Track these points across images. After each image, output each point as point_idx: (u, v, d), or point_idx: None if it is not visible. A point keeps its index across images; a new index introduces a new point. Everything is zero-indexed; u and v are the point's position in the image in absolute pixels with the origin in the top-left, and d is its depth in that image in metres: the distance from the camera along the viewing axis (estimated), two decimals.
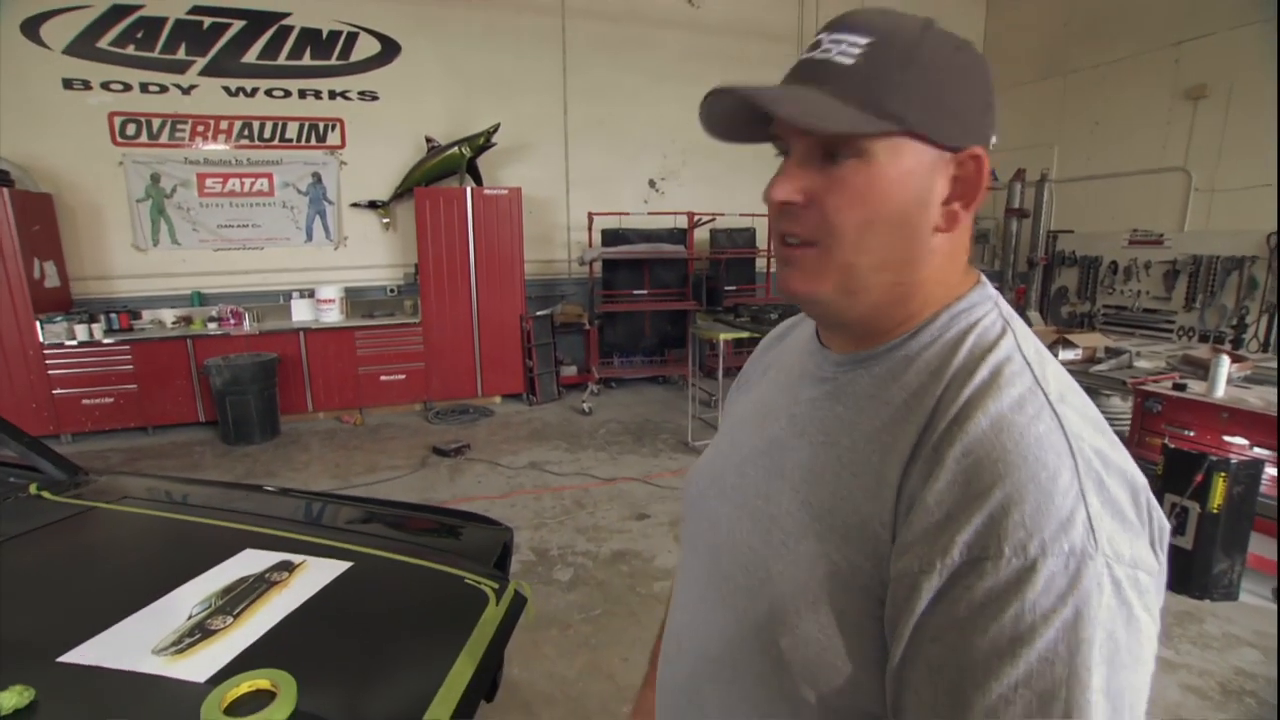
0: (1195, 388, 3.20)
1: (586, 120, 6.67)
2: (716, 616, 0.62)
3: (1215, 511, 2.79)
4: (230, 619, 1.15)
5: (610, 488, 4.16)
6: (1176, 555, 2.89)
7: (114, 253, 5.49)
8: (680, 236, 6.70)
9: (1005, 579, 0.43)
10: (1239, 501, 2.80)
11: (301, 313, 5.66)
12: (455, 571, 1.38)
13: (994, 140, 0.54)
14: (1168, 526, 0.50)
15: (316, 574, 1.33)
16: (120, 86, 5.28)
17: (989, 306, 0.56)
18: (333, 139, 5.86)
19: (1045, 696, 0.42)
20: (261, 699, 0.95)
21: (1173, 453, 2.92)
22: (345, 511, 1.82)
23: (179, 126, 5.47)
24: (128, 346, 5.06)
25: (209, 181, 5.59)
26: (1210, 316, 5.80)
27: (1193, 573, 2.85)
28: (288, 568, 1.35)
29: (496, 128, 5.84)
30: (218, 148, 5.58)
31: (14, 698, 0.91)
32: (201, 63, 5.43)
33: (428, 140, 5.92)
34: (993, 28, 8.23)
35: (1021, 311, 5.52)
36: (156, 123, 5.42)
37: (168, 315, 5.48)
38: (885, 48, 0.50)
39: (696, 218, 6.69)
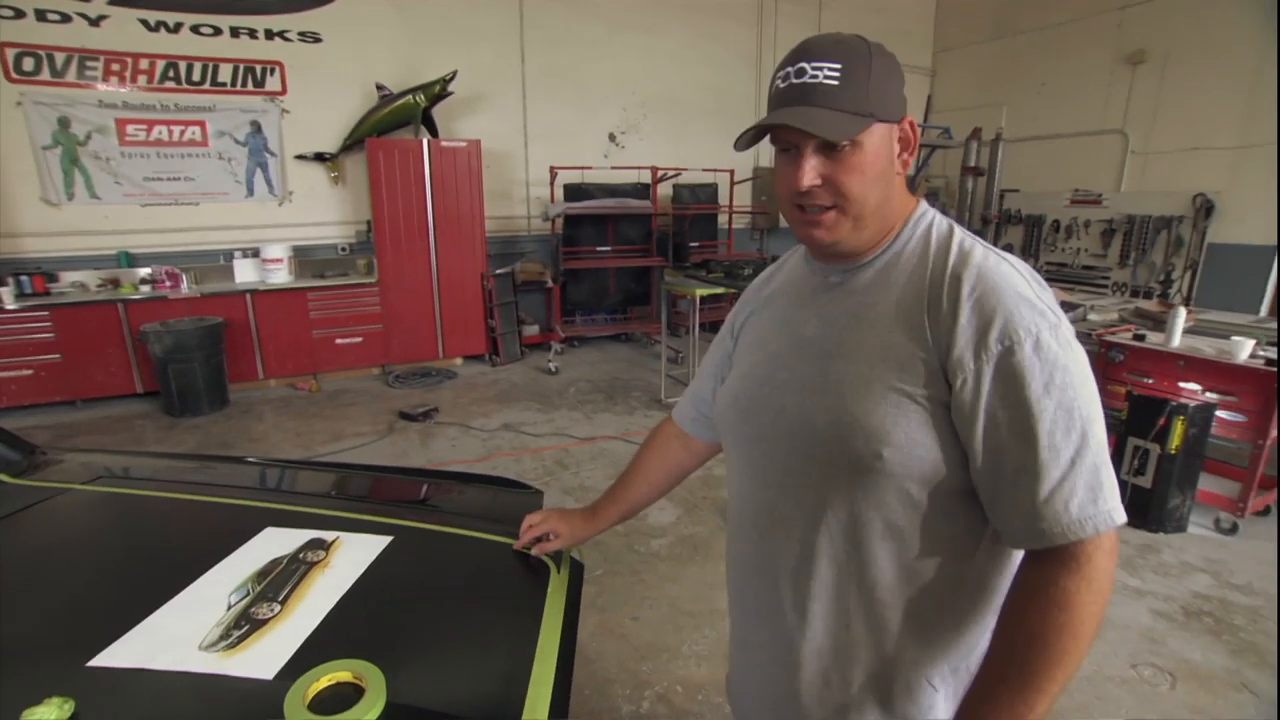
0: (1153, 338, 3.39)
1: (545, 71, 6.36)
2: (795, 480, 0.83)
3: (1174, 453, 2.99)
4: (278, 606, 1.04)
5: (590, 447, 4.11)
6: (1136, 493, 3.09)
7: (20, 207, 4.91)
8: (644, 192, 6.55)
9: (1028, 351, 0.71)
10: (1193, 443, 3.01)
11: (246, 273, 5.27)
12: (506, 540, 1.30)
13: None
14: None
15: (356, 551, 1.23)
16: (10, 12, 4.64)
17: (933, 213, 0.85)
18: (272, 84, 5.37)
19: (1069, 408, 0.70)
20: (343, 691, 0.86)
21: (1137, 399, 3.10)
22: (357, 481, 1.70)
23: (89, 64, 4.87)
24: (46, 312, 4.60)
25: (130, 129, 5.04)
26: (1141, 272, 6.17)
27: (1150, 509, 3.06)
28: (322, 545, 1.24)
29: (453, 75, 5.49)
30: (138, 90, 5.02)
31: (54, 711, 0.78)
32: None
33: (379, 88, 5.51)
34: None
35: None
36: (60, 58, 4.81)
37: (91, 277, 4.99)
38: (852, 69, 0.75)
39: (660, 173, 6.55)
